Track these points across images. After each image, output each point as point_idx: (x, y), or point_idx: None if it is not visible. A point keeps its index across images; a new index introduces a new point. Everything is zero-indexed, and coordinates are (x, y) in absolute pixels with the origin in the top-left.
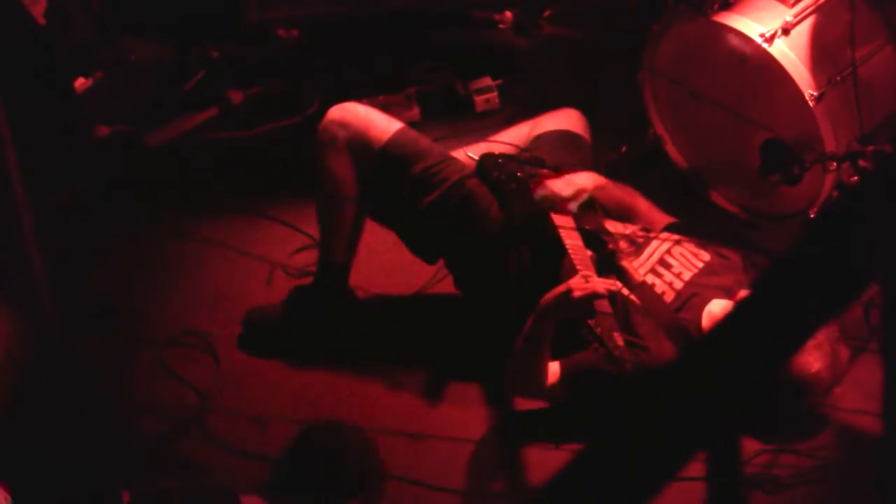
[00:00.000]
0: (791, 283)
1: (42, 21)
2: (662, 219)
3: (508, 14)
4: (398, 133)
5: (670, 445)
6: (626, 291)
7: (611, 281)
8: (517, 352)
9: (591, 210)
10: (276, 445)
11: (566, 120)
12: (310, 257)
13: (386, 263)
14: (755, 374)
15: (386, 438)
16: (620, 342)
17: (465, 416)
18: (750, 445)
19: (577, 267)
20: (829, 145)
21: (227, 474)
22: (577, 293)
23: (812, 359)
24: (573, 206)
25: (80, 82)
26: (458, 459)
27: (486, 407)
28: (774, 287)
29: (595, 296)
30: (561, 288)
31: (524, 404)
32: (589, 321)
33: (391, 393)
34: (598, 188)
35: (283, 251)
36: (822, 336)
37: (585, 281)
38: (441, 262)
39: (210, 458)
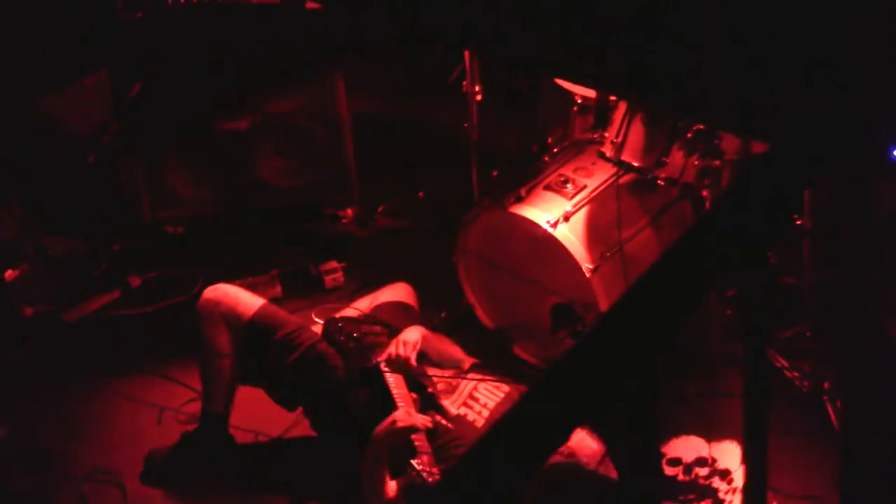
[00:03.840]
0: (541, 402)
1: None
2: (470, 360)
3: (350, 210)
4: (261, 308)
5: None
6: (444, 422)
7: (427, 418)
8: (362, 474)
9: (418, 361)
10: None
11: (399, 292)
12: (197, 407)
13: (259, 410)
14: (520, 466)
15: None
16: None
17: None
18: None
19: (400, 406)
20: (604, 307)
21: None
22: (399, 423)
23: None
24: (412, 361)
25: (10, 273)
26: None
27: None
28: (529, 401)
29: (414, 428)
30: (388, 420)
31: None
32: (412, 460)
33: None
34: (424, 338)
35: (176, 402)
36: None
37: (408, 415)
38: (300, 409)
39: None
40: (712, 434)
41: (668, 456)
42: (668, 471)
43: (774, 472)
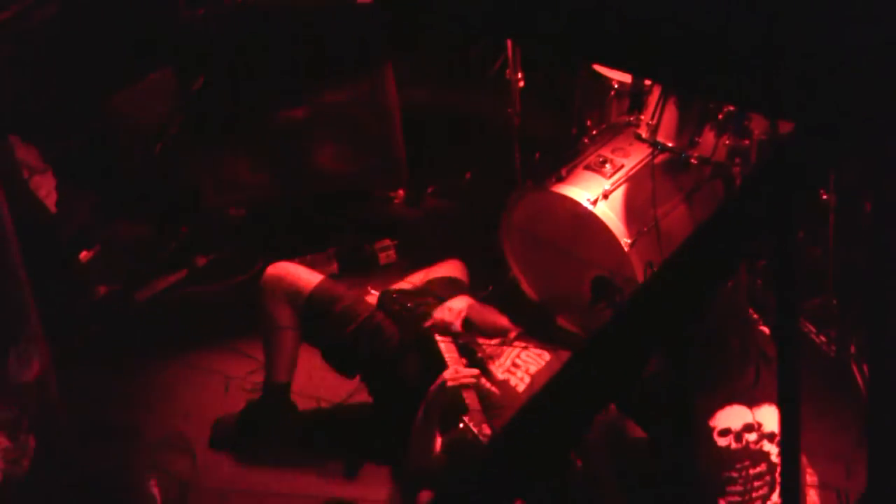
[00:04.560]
0: (581, 371)
1: (54, 209)
2: (515, 329)
3: (401, 192)
4: (320, 283)
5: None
6: (490, 385)
7: (475, 371)
8: (414, 430)
9: (467, 329)
10: None
11: (451, 268)
12: (261, 377)
13: (321, 378)
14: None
15: None
16: (488, 431)
17: (375, 490)
18: None
19: (450, 366)
20: (642, 279)
21: None
22: (449, 382)
23: None
24: (457, 326)
25: (84, 254)
26: None
27: (392, 482)
28: (570, 370)
29: (464, 385)
30: (439, 379)
31: None
32: (464, 416)
33: (323, 475)
34: (470, 307)
35: (241, 372)
36: None
37: (456, 373)
38: (358, 376)
39: None
40: (751, 399)
41: (718, 428)
42: (721, 441)
43: (803, 434)
